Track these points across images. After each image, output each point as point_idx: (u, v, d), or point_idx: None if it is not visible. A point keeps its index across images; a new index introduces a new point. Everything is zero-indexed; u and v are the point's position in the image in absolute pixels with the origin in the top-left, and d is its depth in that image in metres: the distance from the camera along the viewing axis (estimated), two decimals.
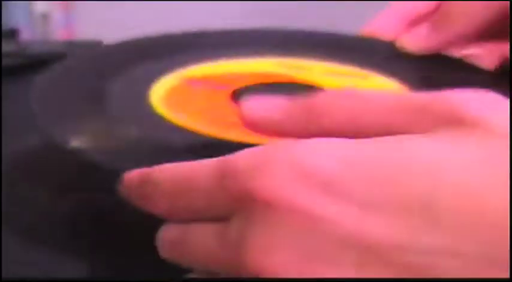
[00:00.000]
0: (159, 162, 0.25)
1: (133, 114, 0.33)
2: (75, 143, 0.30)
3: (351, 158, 0.21)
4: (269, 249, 0.21)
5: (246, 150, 0.22)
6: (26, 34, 0.67)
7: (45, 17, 0.67)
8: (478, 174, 0.20)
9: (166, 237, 0.25)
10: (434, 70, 0.42)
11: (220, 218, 0.23)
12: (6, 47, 0.60)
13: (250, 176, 0.21)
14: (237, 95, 0.36)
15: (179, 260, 0.25)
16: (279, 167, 0.21)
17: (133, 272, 0.28)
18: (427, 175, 0.20)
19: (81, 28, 0.68)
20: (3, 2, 0.65)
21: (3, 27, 0.66)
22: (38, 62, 0.58)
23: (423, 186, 0.20)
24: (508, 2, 0.40)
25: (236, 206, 0.22)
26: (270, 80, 0.38)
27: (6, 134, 0.41)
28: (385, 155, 0.21)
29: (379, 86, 0.39)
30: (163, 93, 0.36)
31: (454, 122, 0.21)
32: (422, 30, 0.43)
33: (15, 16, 0.66)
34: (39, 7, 0.67)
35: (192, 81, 0.37)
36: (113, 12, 0.68)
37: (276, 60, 0.40)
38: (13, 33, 0.66)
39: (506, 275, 0.19)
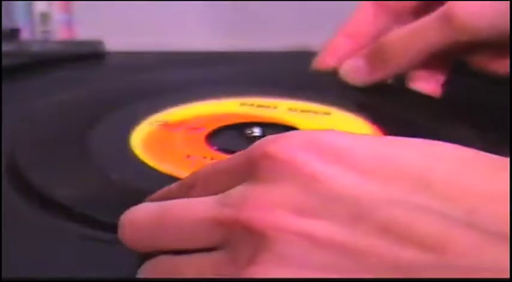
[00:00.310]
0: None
1: (116, 161, 0.36)
2: (62, 192, 0.32)
3: (358, 137, 0.23)
4: (269, 204, 0.22)
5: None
6: (26, 34, 0.67)
7: (45, 17, 0.67)
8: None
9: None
10: (395, 103, 0.43)
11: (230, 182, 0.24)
12: (6, 47, 0.60)
13: (265, 143, 0.24)
14: (211, 137, 0.39)
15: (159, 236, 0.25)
16: (292, 136, 0.23)
17: None
18: (425, 157, 0.22)
19: (81, 28, 0.68)
20: (3, 2, 0.65)
21: (3, 27, 0.66)
22: (38, 62, 0.58)
23: (420, 163, 0.21)
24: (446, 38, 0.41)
25: (246, 169, 0.24)
26: (240, 120, 0.40)
27: (6, 133, 0.41)
28: (389, 139, 0.23)
29: (343, 122, 0.41)
30: (142, 138, 0.38)
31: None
32: (359, 63, 0.44)
33: (15, 16, 0.66)
34: (39, 7, 0.67)
35: (169, 126, 0.40)
36: (113, 13, 0.68)
37: (239, 100, 0.43)
38: (13, 33, 0.66)
39: (489, 244, 0.20)
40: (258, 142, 0.24)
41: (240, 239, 0.22)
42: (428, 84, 0.44)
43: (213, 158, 0.36)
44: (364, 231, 0.20)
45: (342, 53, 0.46)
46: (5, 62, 0.55)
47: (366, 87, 0.44)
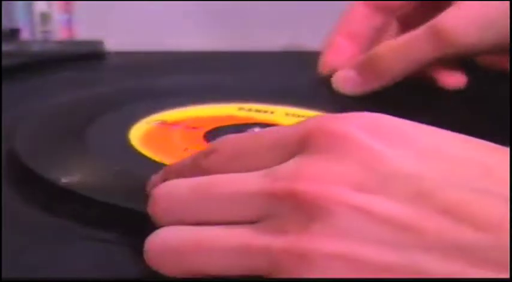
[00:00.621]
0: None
1: (115, 153, 0.36)
2: (66, 179, 0.32)
3: (415, 123, 0.24)
4: (327, 177, 0.22)
5: None
6: (26, 34, 0.67)
7: (45, 17, 0.67)
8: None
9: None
10: (390, 109, 0.43)
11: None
12: (6, 47, 0.60)
13: (323, 119, 0.24)
14: (209, 134, 0.39)
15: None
16: (351, 116, 0.24)
17: None
18: (483, 147, 0.23)
19: (81, 28, 0.68)
20: (3, 2, 0.65)
21: (3, 27, 0.66)
22: (38, 62, 0.58)
23: (480, 153, 0.23)
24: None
25: (298, 144, 0.24)
26: (237, 122, 0.41)
27: (6, 133, 0.41)
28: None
29: None
30: (141, 134, 0.39)
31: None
32: (350, 74, 0.45)
33: (15, 16, 0.66)
34: (39, 7, 0.67)
35: (167, 124, 0.40)
36: (113, 13, 0.68)
37: (237, 105, 0.44)
38: (13, 33, 0.66)
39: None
40: (312, 119, 0.24)
41: (292, 210, 0.22)
42: (451, 78, 0.45)
43: None
44: (424, 210, 0.21)
45: (345, 54, 0.47)
46: (5, 62, 0.55)
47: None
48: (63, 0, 0.67)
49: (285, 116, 0.42)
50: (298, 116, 0.42)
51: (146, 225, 0.28)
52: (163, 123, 0.40)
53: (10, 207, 0.32)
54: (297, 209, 0.22)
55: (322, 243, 0.21)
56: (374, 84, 0.44)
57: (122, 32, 0.65)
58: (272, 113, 0.43)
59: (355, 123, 0.23)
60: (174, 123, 0.41)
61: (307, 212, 0.22)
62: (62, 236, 0.30)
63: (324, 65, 0.48)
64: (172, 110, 0.42)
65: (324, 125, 0.24)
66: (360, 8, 0.46)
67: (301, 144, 0.24)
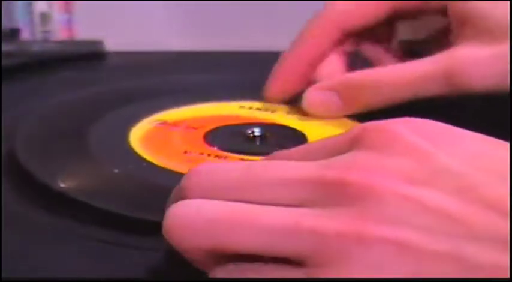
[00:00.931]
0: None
1: (115, 155, 0.36)
2: (63, 184, 0.32)
3: (462, 130, 0.25)
4: (379, 168, 0.23)
5: None
6: (26, 34, 0.67)
7: (45, 17, 0.67)
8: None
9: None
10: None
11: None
12: (6, 47, 0.60)
13: (372, 122, 0.25)
14: (209, 135, 0.39)
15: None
16: (398, 120, 0.25)
17: None
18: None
19: (81, 28, 0.68)
20: (3, 2, 0.65)
21: (3, 27, 0.66)
22: (38, 62, 0.58)
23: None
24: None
25: (350, 142, 0.25)
26: (238, 122, 0.41)
27: (6, 133, 0.41)
28: None
29: (340, 126, 0.41)
30: (141, 135, 0.38)
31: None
32: (328, 96, 0.40)
33: (15, 16, 0.66)
34: (39, 7, 0.67)
35: (168, 124, 0.40)
36: (113, 13, 0.68)
37: (238, 103, 0.43)
38: (13, 33, 0.66)
39: None
40: (360, 124, 0.25)
41: (343, 199, 0.22)
42: None
43: (211, 154, 0.36)
44: (470, 203, 0.22)
45: (296, 81, 0.42)
46: (5, 62, 0.55)
47: None
48: (63, 0, 0.67)
49: (287, 114, 0.42)
50: (301, 114, 0.42)
51: (146, 228, 0.28)
52: (164, 124, 0.40)
53: (10, 207, 0.32)
54: (348, 197, 0.22)
55: (375, 227, 0.22)
56: (357, 110, 0.40)
57: (122, 32, 0.65)
58: (273, 111, 0.43)
59: (405, 126, 0.24)
60: (174, 124, 0.40)
61: (360, 200, 0.22)
62: (62, 236, 0.30)
63: (271, 91, 0.43)
64: (173, 110, 0.42)
65: (376, 124, 0.24)
66: (316, 29, 0.42)
67: (352, 143, 0.24)
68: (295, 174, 0.24)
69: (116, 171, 0.34)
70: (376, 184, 0.22)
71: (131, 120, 0.40)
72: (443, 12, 0.40)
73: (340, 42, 0.42)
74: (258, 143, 0.40)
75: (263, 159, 0.28)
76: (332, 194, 0.23)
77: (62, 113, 0.42)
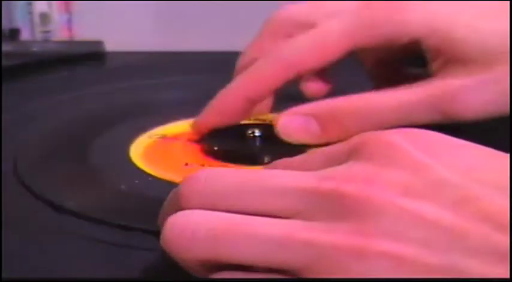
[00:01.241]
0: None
1: (118, 170, 0.36)
2: (70, 203, 0.32)
3: (458, 141, 0.25)
4: (377, 179, 0.23)
5: None
6: (26, 34, 0.67)
7: (45, 17, 0.67)
8: None
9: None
10: None
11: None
12: (6, 47, 0.60)
13: (370, 132, 0.25)
14: (210, 135, 0.39)
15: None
16: (395, 131, 0.25)
17: None
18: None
19: (81, 28, 0.68)
20: (3, 2, 0.65)
21: (3, 27, 0.66)
22: (38, 62, 0.58)
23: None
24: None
25: (347, 152, 0.25)
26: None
27: (6, 133, 0.41)
28: None
29: None
30: (141, 150, 0.38)
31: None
32: (306, 122, 0.38)
33: (15, 16, 0.66)
34: (39, 7, 0.67)
35: (167, 138, 0.40)
36: (113, 13, 0.68)
37: None
38: (13, 33, 0.66)
39: None
40: (360, 134, 0.25)
41: (339, 210, 0.22)
42: (313, 85, 0.41)
43: (211, 166, 0.36)
44: (466, 215, 0.22)
45: (234, 113, 0.39)
46: (5, 62, 0.55)
47: None
48: (63, 0, 0.67)
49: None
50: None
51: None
52: (163, 138, 0.40)
53: (10, 207, 0.32)
54: (344, 208, 0.22)
55: (374, 241, 0.22)
56: (338, 138, 0.36)
57: (121, 32, 0.65)
58: (272, 121, 0.42)
59: (403, 137, 0.24)
60: (175, 137, 0.40)
61: (356, 212, 0.22)
62: (62, 236, 0.30)
63: (200, 123, 0.40)
64: (172, 124, 0.42)
65: (374, 135, 0.24)
66: (266, 65, 0.38)
67: (351, 153, 0.24)
68: (292, 184, 0.24)
69: (122, 187, 0.34)
70: (374, 196, 0.22)
71: (131, 135, 0.40)
72: (415, 44, 0.38)
73: (293, 80, 0.39)
74: (258, 143, 0.40)
75: (263, 168, 0.28)
76: (326, 205, 0.23)
77: (61, 131, 0.42)
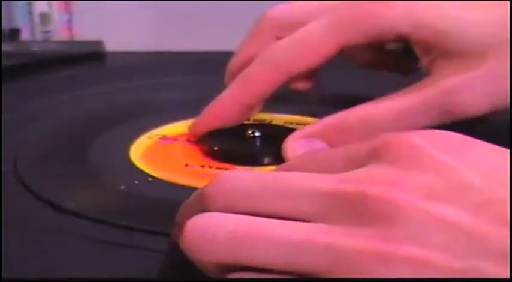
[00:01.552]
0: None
1: (117, 170, 0.36)
2: (69, 203, 0.32)
3: (481, 142, 0.24)
4: (400, 182, 0.23)
5: None
6: (26, 34, 0.67)
7: (45, 17, 0.67)
8: None
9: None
10: None
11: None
12: (6, 47, 0.60)
13: (393, 134, 0.25)
14: (210, 136, 0.39)
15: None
16: (420, 132, 0.24)
17: None
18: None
19: (81, 28, 0.68)
20: (3, 2, 0.65)
21: (3, 27, 0.66)
22: (38, 62, 0.58)
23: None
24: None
25: (368, 154, 0.24)
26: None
27: (6, 133, 0.41)
28: None
29: None
30: (141, 150, 0.39)
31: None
32: (317, 146, 0.37)
33: (15, 16, 0.66)
34: (39, 7, 0.67)
35: (166, 139, 0.40)
36: (113, 13, 0.68)
37: None
38: (13, 33, 0.66)
39: None
40: (381, 135, 0.25)
41: (360, 212, 0.22)
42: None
43: (212, 166, 0.36)
44: (490, 220, 0.21)
45: (231, 119, 0.39)
46: (5, 62, 0.55)
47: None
48: (63, 0, 0.67)
49: (284, 123, 0.42)
50: (297, 123, 0.42)
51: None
52: (163, 138, 0.40)
53: (10, 207, 0.32)
54: (367, 212, 0.22)
55: (399, 246, 0.22)
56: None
57: (121, 32, 0.65)
58: (271, 121, 0.42)
59: (426, 139, 0.24)
60: (174, 138, 0.40)
61: (379, 215, 0.22)
62: (62, 236, 0.30)
63: (196, 127, 0.40)
64: (172, 124, 0.42)
65: (395, 137, 0.24)
66: (262, 76, 0.38)
67: (371, 156, 0.24)
68: (314, 187, 0.24)
69: (122, 187, 0.34)
70: (399, 200, 0.22)
71: (131, 136, 0.40)
72: (403, 40, 0.38)
73: (285, 82, 0.39)
74: (257, 143, 0.40)
75: (280, 167, 0.28)
76: (351, 207, 0.23)
77: (61, 131, 0.42)
